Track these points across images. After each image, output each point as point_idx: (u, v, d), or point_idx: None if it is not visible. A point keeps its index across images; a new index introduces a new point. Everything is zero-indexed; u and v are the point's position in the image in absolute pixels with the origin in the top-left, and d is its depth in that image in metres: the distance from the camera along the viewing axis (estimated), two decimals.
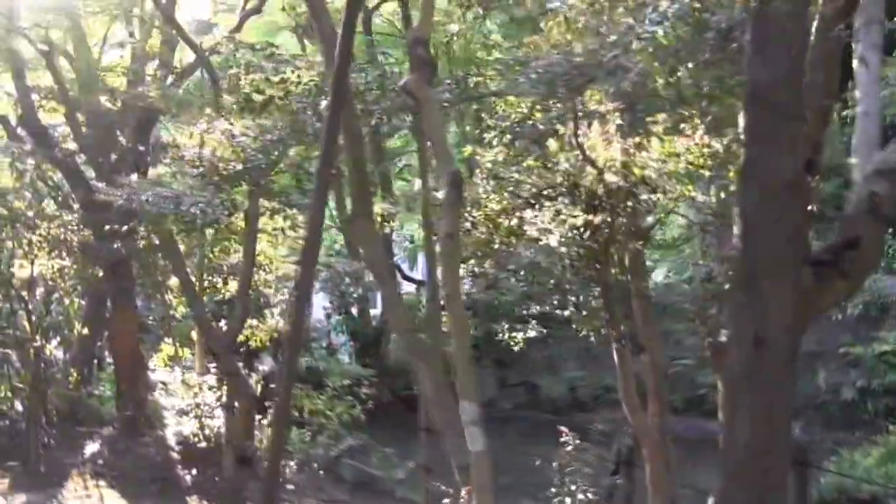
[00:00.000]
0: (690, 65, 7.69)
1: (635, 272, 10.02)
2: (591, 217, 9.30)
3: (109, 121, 16.05)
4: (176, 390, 15.75)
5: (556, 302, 10.05)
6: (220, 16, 18.91)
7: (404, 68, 12.96)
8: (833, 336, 22.31)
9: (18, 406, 15.39)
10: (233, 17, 18.21)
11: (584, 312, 9.75)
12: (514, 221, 9.52)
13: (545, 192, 9.19)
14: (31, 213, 15.38)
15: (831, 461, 16.58)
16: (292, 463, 14.23)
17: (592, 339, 10.25)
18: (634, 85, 7.81)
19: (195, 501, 13.36)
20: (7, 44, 15.19)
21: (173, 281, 16.04)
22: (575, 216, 9.27)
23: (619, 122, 9.23)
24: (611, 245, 9.57)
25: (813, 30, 7.09)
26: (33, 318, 15.29)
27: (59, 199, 16.96)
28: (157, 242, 14.53)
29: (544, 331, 11.95)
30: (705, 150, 9.05)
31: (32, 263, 15.22)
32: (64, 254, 15.43)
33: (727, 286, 9.14)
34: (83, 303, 17.36)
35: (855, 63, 9.43)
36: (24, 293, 15.36)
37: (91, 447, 14.79)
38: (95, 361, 19.01)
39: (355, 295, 24.80)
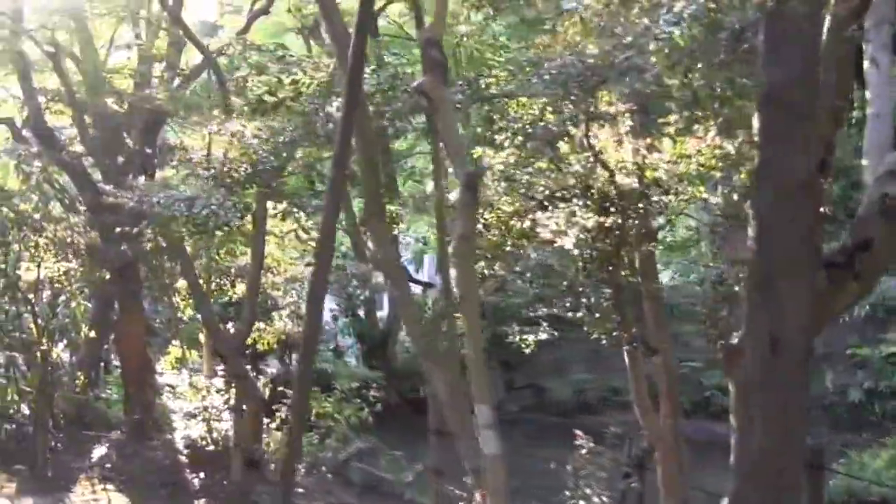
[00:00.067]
0: (702, 65, 7.67)
1: (646, 274, 10.00)
2: (603, 219, 9.28)
3: (116, 123, 16.00)
4: (183, 393, 15.72)
5: (568, 304, 10.01)
6: (226, 17, 18.89)
7: (412, 70, 12.95)
8: (840, 337, 22.29)
9: (25, 409, 15.31)
10: (239, 19, 18.20)
11: (597, 315, 9.70)
12: (527, 223, 9.49)
13: (558, 194, 9.15)
14: (37, 216, 15.32)
15: (840, 463, 16.55)
16: (301, 466, 14.18)
17: (604, 341, 10.20)
18: (649, 85, 7.78)
19: None
20: (13, 46, 15.14)
21: (180, 283, 15.98)
22: (587, 218, 9.23)
23: (630, 123, 9.22)
24: (622, 247, 9.54)
25: (825, 30, 7.06)
26: (40, 320, 15.23)
27: (66, 201, 16.90)
28: (164, 245, 14.48)
29: (556, 333, 11.92)
30: (717, 151, 9.02)
31: (39, 266, 15.15)
32: (70, 256, 15.36)
33: (738, 288, 9.13)
34: (90, 305, 17.30)
35: (866, 64, 9.40)
36: (31, 296, 15.29)
37: (99, 451, 14.72)
38: (102, 364, 18.96)
39: (362, 297, 24.76)
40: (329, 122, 10.72)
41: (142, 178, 14.65)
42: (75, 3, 15.52)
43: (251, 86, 13.37)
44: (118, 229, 13.32)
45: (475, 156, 9.75)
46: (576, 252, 9.45)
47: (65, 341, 16.91)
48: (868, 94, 9.17)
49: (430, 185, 20.67)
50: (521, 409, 25.82)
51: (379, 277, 19.97)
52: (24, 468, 13.87)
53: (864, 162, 8.62)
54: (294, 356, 20.00)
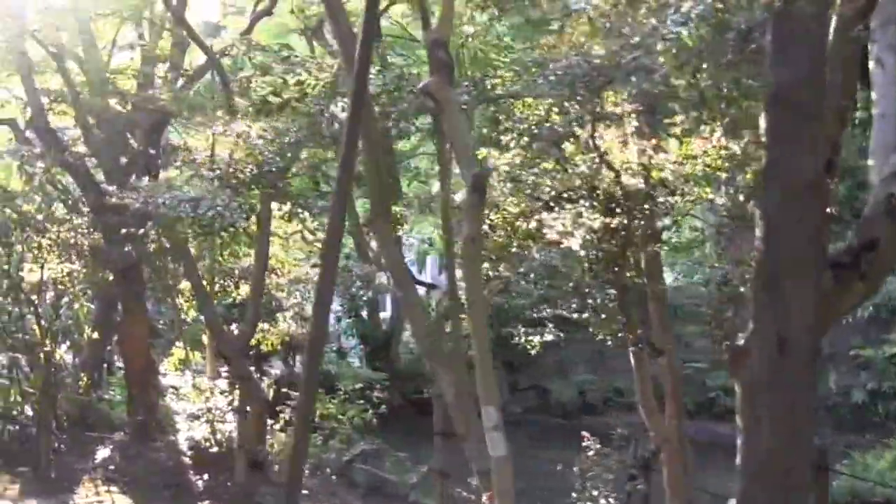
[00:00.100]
0: (710, 66, 7.66)
1: (652, 275, 10.00)
2: (608, 220, 9.27)
3: (120, 124, 15.97)
4: (187, 395, 15.71)
5: (574, 305, 10.01)
6: (228, 18, 18.85)
7: (418, 71, 12.95)
8: (843, 338, 22.30)
9: (28, 411, 15.29)
10: (241, 20, 18.15)
11: (603, 316, 9.69)
12: (533, 224, 9.47)
13: (564, 195, 9.14)
14: (40, 217, 15.28)
15: (843, 464, 16.56)
16: (305, 468, 14.15)
17: (609, 342, 10.19)
18: (657, 86, 7.77)
19: None
20: (16, 46, 15.11)
21: (184, 284, 15.96)
22: (593, 219, 9.22)
23: (636, 123, 9.21)
24: (628, 248, 9.53)
25: (831, 30, 7.05)
26: (43, 322, 15.20)
27: (69, 202, 16.86)
28: (167, 246, 14.46)
29: (561, 335, 11.92)
30: (723, 152, 9.01)
31: (42, 267, 15.14)
32: (74, 258, 15.34)
33: (743, 289, 9.11)
34: (93, 307, 17.28)
35: (871, 64, 9.37)
36: (34, 297, 15.27)
37: (102, 452, 14.69)
38: (105, 366, 18.94)
39: (365, 298, 24.75)
40: (334, 123, 10.71)
41: (145, 179, 14.59)
42: (78, 3, 15.49)
43: (255, 86, 13.36)
44: (122, 230, 13.29)
45: (480, 157, 9.74)
46: (582, 253, 9.44)
47: (68, 343, 16.91)
48: (873, 95, 9.11)
49: (434, 186, 20.68)
50: (525, 411, 25.85)
51: (382, 278, 20.01)
52: (28, 470, 13.83)
53: (870, 162, 8.58)
54: (298, 357, 20.02)
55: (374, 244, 19.55)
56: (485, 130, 10.25)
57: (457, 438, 9.25)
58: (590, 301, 9.88)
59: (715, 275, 10.71)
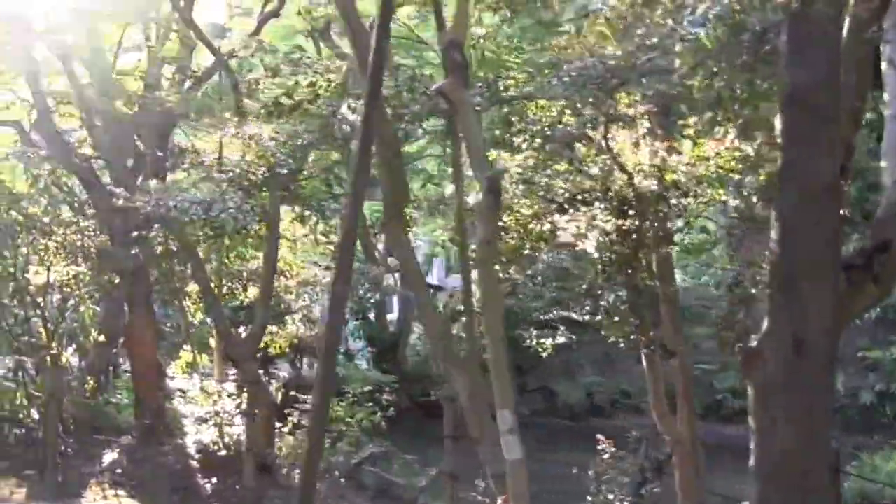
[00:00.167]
0: (726, 66, 7.62)
1: (664, 277, 9.96)
2: (621, 222, 9.23)
3: (127, 125, 15.92)
4: (195, 398, 15.65)
5: (587, 307, 9.98)
6: (235, 20, 18.78)
7: (431, 72, 12.90)
8: (851, 340, 22.23)
9: (34, 414, 15.22)
10: (248, 22, 18.08)
11: (616, 318, 9.66)
12: (546, 226, 9.44)
13: (579, 197, 9.10)
14: (46, 219, 15.25)
15: (852, 466, 16.48)
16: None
17: (621, 344, 10.17)
18: (674, 87, 7.74)
19: None
20: (23, 47, 15.07)
21: (191, 287, 15.92)
22: (607, 221, 9.19)
23: (650, 125, 9.17)
24: (640, 249, 9.51)
25: (845, 32, 7.03)
26: (49, 324, 15.18)
27: (75, 204, 16.82)
28: (174, 249, 14.42)
29: (573, 337, 11.90)
30: (736, 153, 8.98)
31: (48, 270, 15.10)
32: (80, 260, 15.30)
33: (755, 291, 9.08)
34: (99, 309, 17.23)
35: (883, 65, 9.31)
36: (40, 300, 15.24)
37: (109, 456, 14.62)
38: (111, 369, 18.87)
39: (373, 300, 24.71)
40: (345, 125, 10.67)
41: (153, 182, 14.54)
42: (85, 4, 15.45)
43: (262, 88, 13.32)
44: (134, 233, 13.26)
45: (490, 158, 9.70)
46: (595, 255, 9.41)
47: (74, 345, 16.89)
48: (885, 96, 9.05)
49: (441, 188, 20.63)
50: (532, 413, 25.78)
51: (389, 280, 19.99)
52: (34, 473, 13.76)
53: (882, 164, 8.54)
54: (305, 360, 19.99)
55: (381, 246, 19.62)
56: (497, 132, 10.21)
57: (467, 441, 9.21)
58: (602, 303, 9.86)
59: (726, 277, 10.70)
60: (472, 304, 8.58)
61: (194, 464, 14.47)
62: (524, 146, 9.50)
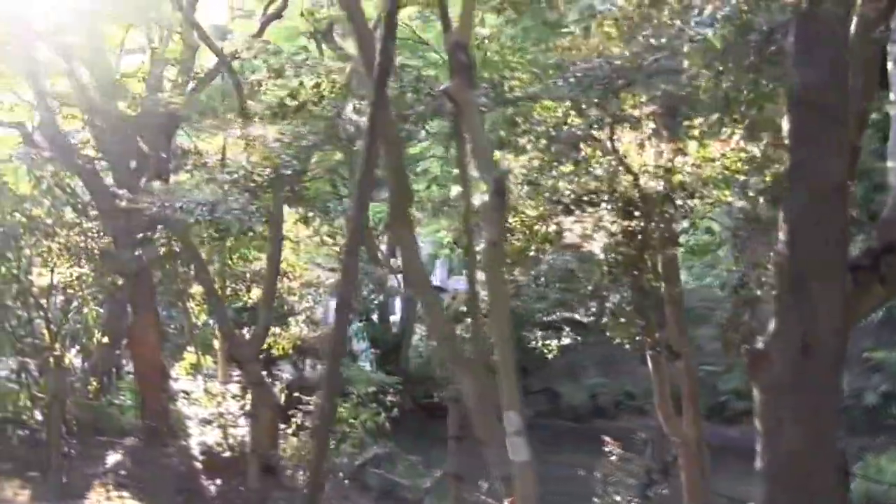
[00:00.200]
0: (733, 67, 7.60)
1: (669, 278, 9.94)
2: (627, 223, 9.21)
3: (130, 127, 15.90)
4: (199, 399, 15.64)
5: (592, 309, 9.96)
6: (237, 22, 18.79)
7: (437, 73, 12.89)
8: (855, 341, 22.15)
9: (38, 416, 15.19)
10: (250, 23, 18.08)
11: (622, 319, 9.64)
12: (552, 228, 9.42)
13: (584, 198, 9.09)
14: (49, 221, 15.23)
15: (857, 467, 16.48)
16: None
17: (627, 346, 10.15)
18: (682, 88, 7.73)
19: None
20: (25, 48, 15.04)
21: (195, 288, 15.90)
22: (613, 222, 9.18)
23: (655, 126, 9.15)
24: (646, 251, 9.49)
25: (852, 32, 7.01)
26: (52, 326, 15.12)
27: (78, 206, 16.80)
28: (177, 250, 14.40)
29: (578, 338, 11.88)
30: (742, 154, 8.96)
31: (51, 271, 15.07)
32: (83, 261, 15.28)
33: (760, 292, 9.05)
34: (102, 311, 17.21)
35: (890, 65, 9.28)
36: (43, 301, 15.18)
37: (113, 457, 14.62)
38: (115, 370, 18.85)
39: (376, 301, 24.72)
40: (349, 126, 10.66)
41: (156, 183, 14.52)
42: (87, 5, 15.44)
43: (265, 89, 13.30)
44: (138, 234, 13.24)
45: (494, 159, 9.67)
46: (601, 256, 9.39)
47: (77, 347, 16.84)
48: (892, 96, 9.07)
49: (445, 190, 20.62)
50: (536, 415, 25.76)
51: (392, 281, 19.96)
52: (38, 475, 13.74)
53: (889, 164, 8.55)
54: (308, 361, 19.98)
55: (383, 247, 19.60)
56: (502, 133, 10.19)
57: (471, 442, 9.18)
58: (608, 304, 9.84)
59: (731, 278, 10.67)
60: (477, 305, 8.55)
61: (198, 465, 14.48)
62: (529, 147, 9.49)
